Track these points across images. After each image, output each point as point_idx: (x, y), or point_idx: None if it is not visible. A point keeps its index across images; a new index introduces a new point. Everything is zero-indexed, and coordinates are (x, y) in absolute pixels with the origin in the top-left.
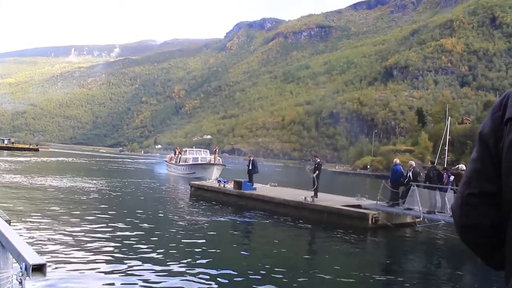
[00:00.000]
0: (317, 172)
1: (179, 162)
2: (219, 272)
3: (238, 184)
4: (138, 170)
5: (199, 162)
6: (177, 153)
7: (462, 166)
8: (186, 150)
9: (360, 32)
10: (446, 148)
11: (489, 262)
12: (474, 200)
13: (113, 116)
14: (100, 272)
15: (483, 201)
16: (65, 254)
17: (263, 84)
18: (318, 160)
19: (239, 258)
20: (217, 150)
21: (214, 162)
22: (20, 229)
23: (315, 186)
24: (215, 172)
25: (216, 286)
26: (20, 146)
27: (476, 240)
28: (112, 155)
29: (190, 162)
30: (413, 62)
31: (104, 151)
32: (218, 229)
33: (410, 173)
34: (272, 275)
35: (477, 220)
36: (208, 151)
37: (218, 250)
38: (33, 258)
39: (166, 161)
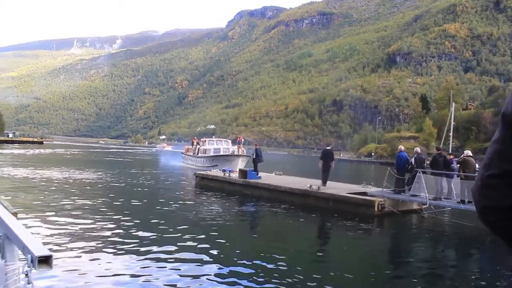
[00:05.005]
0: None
1: (198, 153)
2: (225, 260)
3: (243, 173)
4: (144, 162)
5: (221, 153)
6: (194, 143)
7: (467, 152)
8: (205, 141)
9: (362, 19)
10: (451, 134)
11: None
12: (494, 181)
13: (116, 108)
14: (106, 263)
15: (504, 182)
16: (72, 245)
17: (266, 72)
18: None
19: (246, 246)
20: (241, 140)
21: (238, 153)
22: (26, 221)
23: (326, 175)
24: (240, 164)
25: (223, 274)
26: (24, 139)
27: (498, 222)
28: (116, 146)
29: (211, 154)
30: (416, 48)
31: (103, 142)
32: (223, 219)
33: (413, 159)
34: (279, 263)
35: (498, 202)
36: (229, 141)
37: (224, 239)
38: (39, 250)
39: (182, 153)
